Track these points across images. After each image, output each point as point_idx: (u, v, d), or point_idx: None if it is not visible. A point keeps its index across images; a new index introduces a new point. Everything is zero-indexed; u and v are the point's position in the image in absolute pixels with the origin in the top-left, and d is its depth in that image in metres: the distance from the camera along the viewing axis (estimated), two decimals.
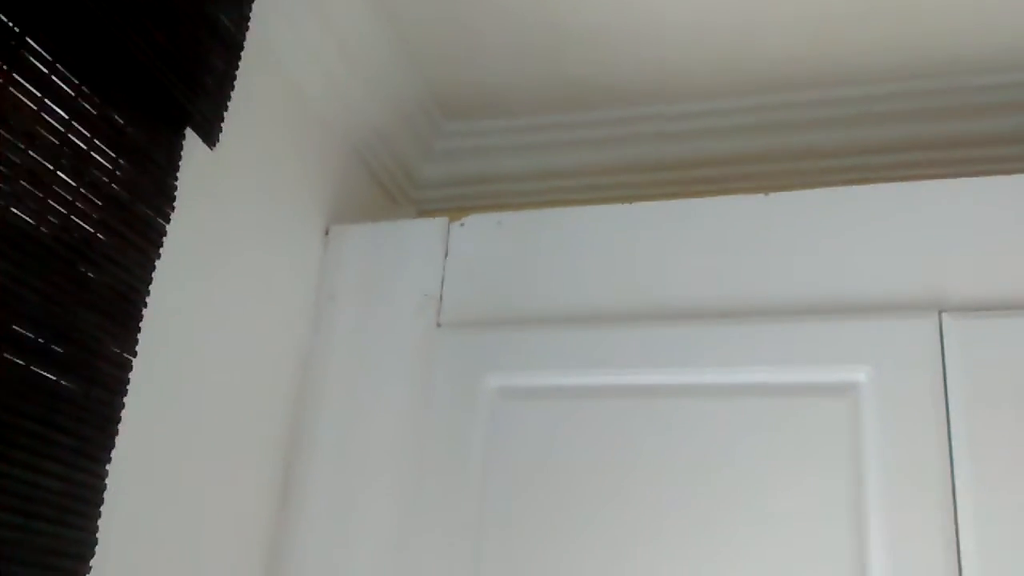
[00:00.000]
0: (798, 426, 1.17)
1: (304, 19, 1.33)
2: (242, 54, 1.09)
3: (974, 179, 1.24)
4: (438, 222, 1.39)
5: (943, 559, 1.07)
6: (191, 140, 1.04)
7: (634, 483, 1.19)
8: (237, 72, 1.06)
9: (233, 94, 1.15)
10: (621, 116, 1.57)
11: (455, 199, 1.63)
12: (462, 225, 1.38)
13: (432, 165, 1.65)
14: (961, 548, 1.07)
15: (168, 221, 1.01)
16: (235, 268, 1.22)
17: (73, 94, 0.90)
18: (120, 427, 0.94)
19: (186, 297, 1.11)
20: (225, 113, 1.06)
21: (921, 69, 1.43)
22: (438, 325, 1.33)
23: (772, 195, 1.29)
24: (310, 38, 1.35)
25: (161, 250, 1.00)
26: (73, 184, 0.89)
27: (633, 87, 1.53)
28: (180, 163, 1.02)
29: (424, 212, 1.63)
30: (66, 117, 0.89)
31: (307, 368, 1.35)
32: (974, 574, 1.05)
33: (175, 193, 1.02)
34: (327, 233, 1.42)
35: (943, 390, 1.14)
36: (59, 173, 0.88)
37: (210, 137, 1.04)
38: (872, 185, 1.27)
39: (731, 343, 1.22)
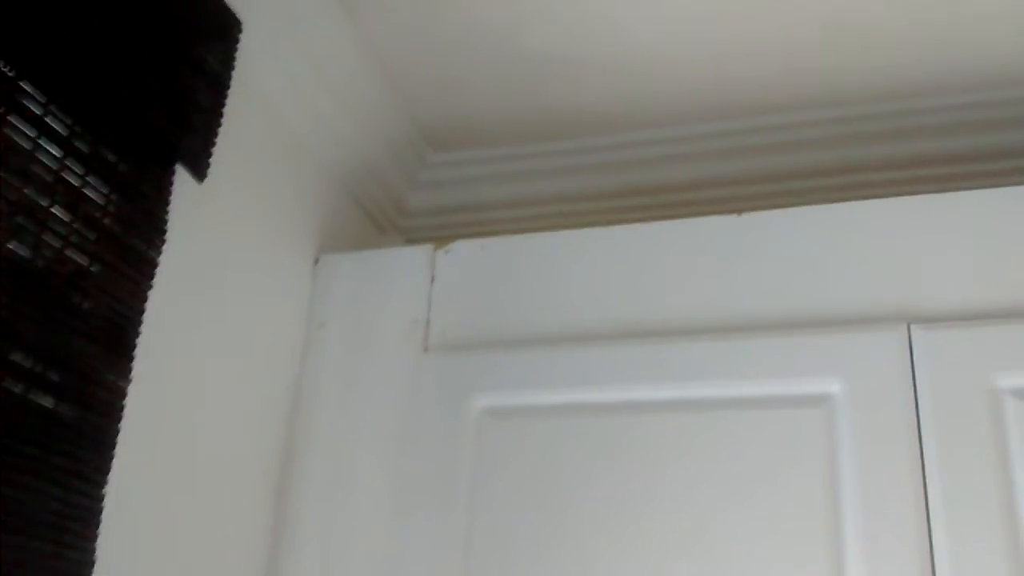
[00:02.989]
0: (776, 436, 1.20)
1: (292, 60, 1.38)
2: (229, 92, 1.14)
3: (940, 195, 1.29)
4: (423, 249, 1.44)
5: (918, 571, 1.10)
6: (181, 175, 1.08)
7: (618, 497, 1.22)
8: (224, 109, 1.11)
9: (221, 131, 1.20)
10: (598, 144, 1.62)
11: (441, 227, 1.68)
12: (447, 252, 1.42)
13: (418, 195, 1.70)
14: (936, 560, 1.10)
15: (159, 253, 1.05)
16: (226, 298, 1.26)
17: (66, 134, 0.95)
18: (116, 451, 0.98)
19: (180, 326, 1.15)
20: (213, 149, 1.10)
21: (887, 91, 1.48)
22: (425, 350, 1.37)
23: (745, 215, 1.34)
24: (298, 78, 1.40)
25: (153, 280, 1.05)
26: (67, 219, 0.94)
27: (609, 115, 1.58)
28: (170, 197, 1.07)
29: (411, 240, 1.67)
30: (60, 155, 0.94)
31: (297, 396, 1.38)
32: None
33: (166, 226, 1.06)
34: (316, 263, 1.47)
35: (914, 401, 1.18)
36: (53, 209, 0.93)
37: (198, 171, 1.09)
38: (841, 204, 1.31)
39: (709, 358, 1.26)
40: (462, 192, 1.68)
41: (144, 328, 1.03)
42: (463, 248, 1.43)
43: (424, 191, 1.69)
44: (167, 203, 1.06)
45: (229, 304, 1.26)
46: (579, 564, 1.20)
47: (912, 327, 1.21)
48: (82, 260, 0.96)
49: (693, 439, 1.23)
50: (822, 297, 1.26)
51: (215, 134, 1.10)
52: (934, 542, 1.11)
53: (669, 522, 1.19)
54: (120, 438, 0.99)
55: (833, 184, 1.53)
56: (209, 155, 1.09)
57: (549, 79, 1.50)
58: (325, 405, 1.38)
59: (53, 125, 0.93)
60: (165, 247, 1.06)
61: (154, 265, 1.04)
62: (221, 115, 1.10)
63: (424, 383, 1.35)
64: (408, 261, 1.43)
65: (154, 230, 1.05)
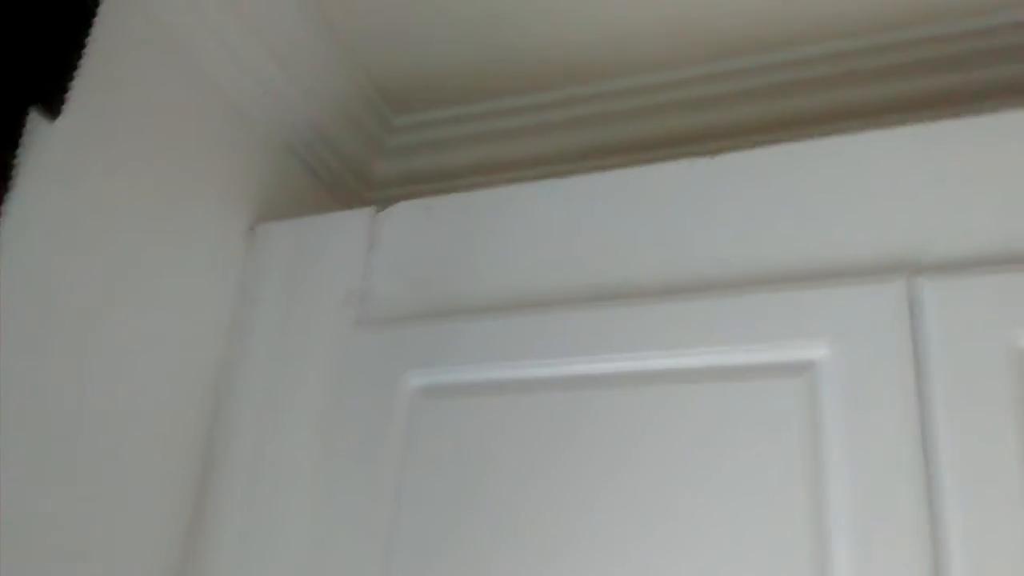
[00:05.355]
0: (748, 412, 1.00)
1: (214, 11, 1.25)
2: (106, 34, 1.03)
3: (947, 123, 1.06)
4: (362, 213, 1.28)
5: (918, 567, 0.88)
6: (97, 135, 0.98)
7: (571, 482, 1.03)
8: (87, 42, 0.98)
9: (133, 84, 1.10)
10: (582, 94, 1.43)
11: (412, 197, 1.52)
12: (388, 214, 1.26)
13: (385, 163, 1.54)
14: (941, 550, 0.88)
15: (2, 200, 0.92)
16: (140, 270, 1.13)
17: None
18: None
19: (91, 297, 1.05)
20: (71, 85, 0.97)
21: (897, 20, 1.26)
22: (360, 322, 1.21)
23: (717, 158, 1.14)
24: (223, 31, 1.27)
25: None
26: None
27: (592, 61, 1.40)
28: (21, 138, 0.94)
29: None
30: None
31: (222, 378, 1.24)
32: None
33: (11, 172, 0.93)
34: (252, 232, 1.32)
35: (914, 364, 0.96)
36: None
37: (51, 109, 0.96)
38: (827, 139, 1.10)
39: (674, 323, 1.07)
40: (434, 158, 1.52)
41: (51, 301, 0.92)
42: (406, 210, 1.26)
43: (391, 158, 1.53)
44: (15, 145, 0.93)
45: (144, 277, 1.14)
46: (524, 554, 1.01)
47: (915, 277, 0.99)
48: None
49: (655, 417, 1.03)
50: (806, 247, 1.05)
51: (73, 68, 0.97)
52: (942, 532, 0.89)
53: (627, 510, 0.99)
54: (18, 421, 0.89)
55: (844, 129, 1.31)
56: (64, 92, 0.96)
57: (517, 22, 1.33)
58: (251, 387, 1.22)
59: None
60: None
61: None
62: (83, 46, 0.97)
63: (356, 359, 1.18)
64: (346, 226, 1.28)
65: None
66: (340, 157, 1.47)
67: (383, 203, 1.42)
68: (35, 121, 0.96)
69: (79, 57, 0.97)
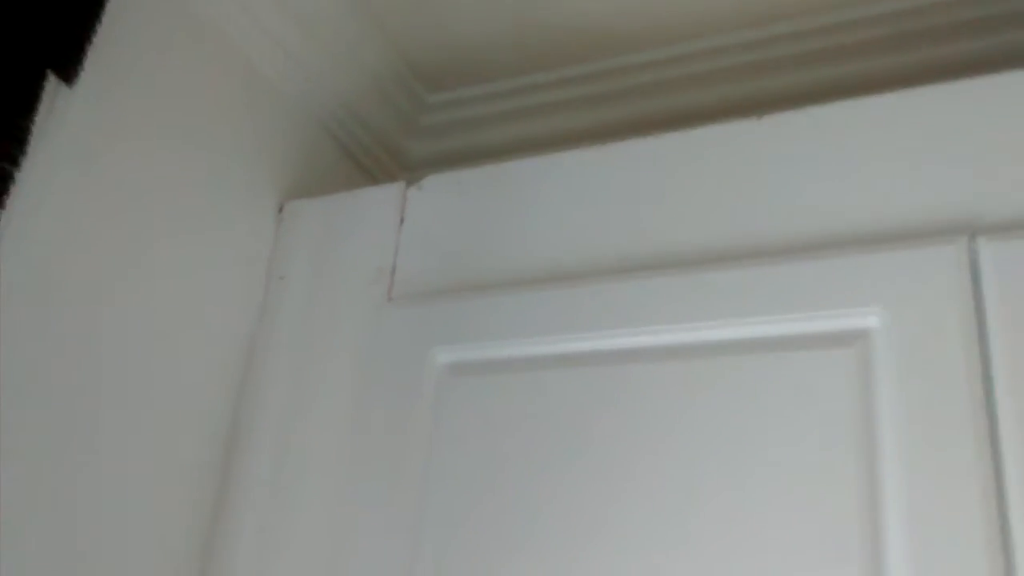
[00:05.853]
0: (796, 386, 0.94)
1: None
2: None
3: (998, 76, 0.99)
4: (393, 188, 1.24)
5: (985, 555, 0.81)
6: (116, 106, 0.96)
7: (605, 461, 0.98)
8: (104, 4, 0.95)
9: (153, 55, 1.09)
10: (617, 66, 1.38)
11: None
12: (420, 188, 1.22)
13: (418, 141, 1.50)
14: (1010, 535, 0.81)
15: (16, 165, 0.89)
16: (160, 248, 1.11)
17: None
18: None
19: (104, 274, 1.03)
20: (88, 48, 0.94)
21: None
22: (389, 299, 1.17)
23: (765, 119, 1.07)
24: (256, 10, 1.24)
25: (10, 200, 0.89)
26: None
27: (630, 29, 1.34)
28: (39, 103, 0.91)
29: None
30: None
31: (250, 357, 1.20)
32: None
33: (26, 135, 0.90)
34: (281, 211, 1.29)
35: (977, 332, 0.89)
36: None
37: (68, 74, 0.93)
38: (880, 96, 1.03)
39: (715, 293, 1.01)
40: (467, 135, 1.47)
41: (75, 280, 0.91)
42: (437, 183, 1.22)
43: (426, 138, 1.49)
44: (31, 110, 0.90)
45: (173, 255, 1.12)
46: (558, 543, 0.96)
47: (976, 239, 0.92)
48: None
49: (695, 392, 0.97)
50: (856, 209, 0.99)
51: (90, 32, 0.94)
52: (1009, 524, 0.82)
53: (666, 491, 0.94)
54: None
55: None
56: (81, 55, 0.93)
57: None
58: (279, 366, 1.19)
59: None
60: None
61: (6, 178, 0.88)
62: (100, 8, 0.94)
63: (385, 337, 1.14)
64: (376, 202, 1.24)
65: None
66: (372, 134, 1.44)
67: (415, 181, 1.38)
68: (52, 88, 0.94)
69: (96, 20, 0.94)
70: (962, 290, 0.91)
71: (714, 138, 1.09)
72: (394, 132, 1.46)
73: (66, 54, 0.93)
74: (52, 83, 0.94)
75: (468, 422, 1.05)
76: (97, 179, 1.03)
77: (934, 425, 0.87)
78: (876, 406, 0.90)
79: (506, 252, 1.14)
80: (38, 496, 0.94)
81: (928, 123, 0.99)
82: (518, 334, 1.08)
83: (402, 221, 1.21)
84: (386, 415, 1.09)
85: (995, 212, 0.93)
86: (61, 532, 0.96)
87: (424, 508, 1.02)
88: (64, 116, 0.96)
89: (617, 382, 1.01)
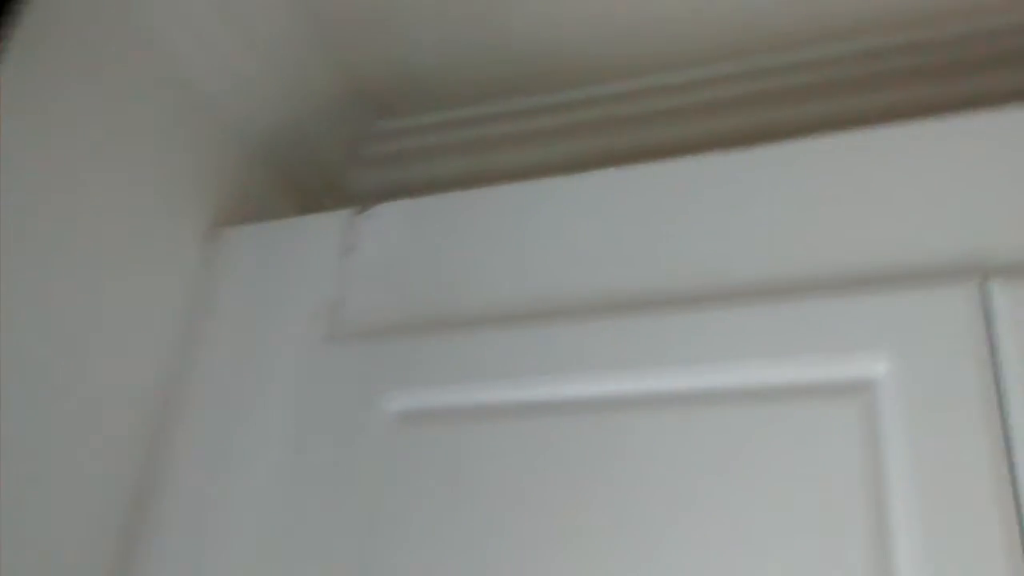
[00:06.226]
0: (798, 440, 0.84)
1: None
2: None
3: (1009, 111, 0.92)
4: (340, 215, 1.12)
5: None
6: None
7: (573, 525, 0.86)
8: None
9: (80, 57, 0.97)
10: (580, 98, 1.29)
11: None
12: (369, 216, 1.11)
13: (363, 171, 1.39)
14: None
15: None
16: (80, 277, 0.97)
17: None
18: None
19: (15, 311, 0.88)
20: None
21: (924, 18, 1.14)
22: (332, 337, 1.04)
23: (760, 150, 0.99)
24: (189, 8, 1.12)
25: None
26: None
27: (598, 60, 1.25)
28: None
29: None
30: None
31: (169, 398, 1.06)
32: None
33: None
34: (212, 239, 1.16)
35: (994, 380, 0.81)
36: None
37: None
38: (885, 127, 0.96)
39: (697, 336, 0.91)
40: (416, 166, 1.36)
41: None
42: (390, 211, 1.11)
43: (369, 167, 1.38)
44: None
45: (77, 281, 0.98)
46: None
47: (989, 282, 0.84)
48: None
49: (675, 446, 0.87)
50: (861, 249, 0.90)
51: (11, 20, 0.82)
52: None
53: (640, 559, 0.83)
54: None
55: None
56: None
57: (509, 22, 1.19)
58: (203, 413, 1.04)
59: None
60: None
61: None
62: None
63: (327, 380, 1.01)
64: (319, 230, 1.11)
65: None
66: (316, 160, 1.32)
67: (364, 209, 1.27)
68: None
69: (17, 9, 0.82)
70: (974, 335, 0.83)
71: (703, 169, 1.00)
72: (336, 159, 1.35)
73: None
74: None
75: (421, 478, 0.93)
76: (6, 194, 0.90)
77: (951, 486, 0.78)
78: (884, 464, 0.80)
79: (466, 287, 1.03)
80: None
81: (933, 158, 0.92)
82: (476, 378, 0.97)
83: (348, 252, 1.09)
84: (327, 469, 0.96)
85: (1008, 254, 0.86)
86: None
87: (369, 573, 0.89)
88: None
89: (583, 434, 0.90)
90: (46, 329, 0.93)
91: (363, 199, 1.36)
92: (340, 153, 1.35)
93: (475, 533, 0.89)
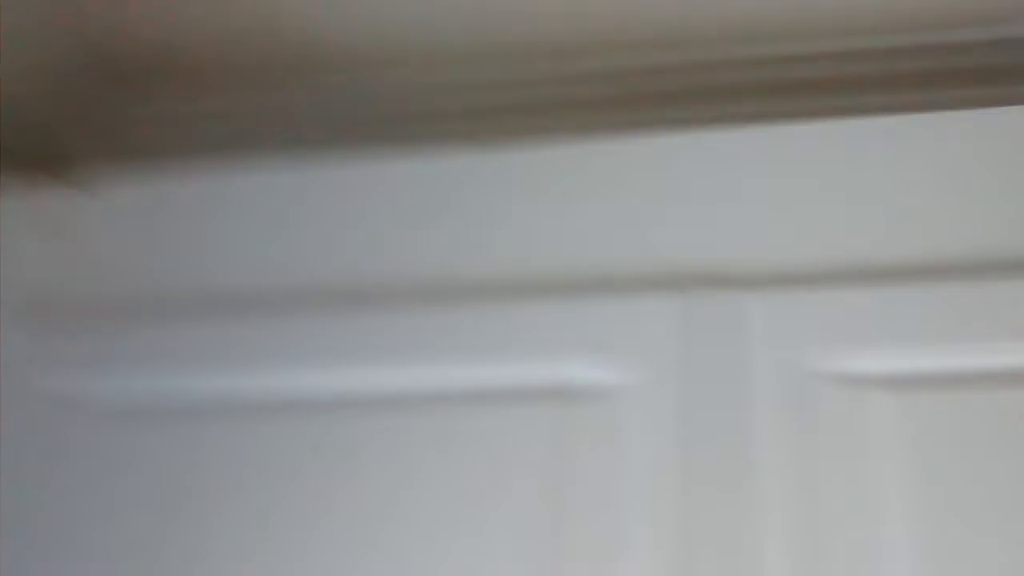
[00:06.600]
0: (486, 447, 0.84)
1: None
2: None
3: (734, 132, 0.95)
4: (50, 192, 1.03)
5: None
6: None
7: (264, 529, 0.83)
8: None
9: None
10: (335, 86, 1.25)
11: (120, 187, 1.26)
12: (84, 193, 1.03)
13: (92, 148, 1.29)
14: None
15: None
16: None
17: None
18: None
19: None
20: None
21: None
22: (38, 327, 0.96)
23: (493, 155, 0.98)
24: None
25: None
26: None
27: (360, 47, 1.21)
28: None
29: None
30: None
31: None
32: None
33: None
34: None
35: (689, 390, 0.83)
36: None
37: None
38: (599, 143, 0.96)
39: (394, 334, 0.89)
40: (152, 142, 1.27)
41: None
42: (111, 193, 1.03)
43: (97, 139, 1.28)
44: None
45: None
46: None
47: (693, 292, 0.87)
48: None
49: (368, 455, 0.85)
50: (572, 255, 0.91)
51: None
52: None
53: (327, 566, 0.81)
54: None
55: None
56: None
57: None
58: None
59: None
60: None
61: None
62: None
63: (30, 375, 0.93)
64: (20, 206, 1.02)
65: None
66: (36, 127, 1.21)
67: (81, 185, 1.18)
68: None
69: None
70: (678, 343, 0.85)
71: (428, 170, 0.98)
72: (64, 129, 1.24)
73: None
74: None
75: (118, 482, 0.87)
76: None
77: (626, 495, 0.80)
78: (573, 471, 0.82)
79: (181, 274, 0.97)
80: None
81: (673, 164, 0.94)
82: (173, 370, 0.91)
83: (56, 232, 1.00)
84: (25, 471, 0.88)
85: (714, 263, 0.89)
86: None
87: None
88: None
89: (285, 437, 0.88)
90: None
91: (85, 177, 1.28)
92: (67, 120, 1.25)
93: (183, 538, 0.84)
